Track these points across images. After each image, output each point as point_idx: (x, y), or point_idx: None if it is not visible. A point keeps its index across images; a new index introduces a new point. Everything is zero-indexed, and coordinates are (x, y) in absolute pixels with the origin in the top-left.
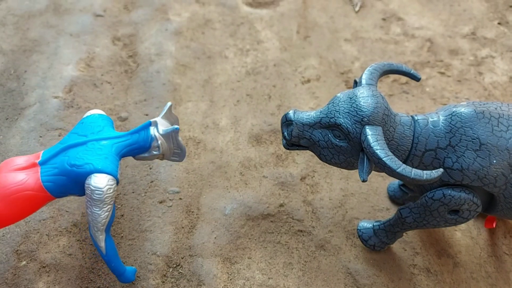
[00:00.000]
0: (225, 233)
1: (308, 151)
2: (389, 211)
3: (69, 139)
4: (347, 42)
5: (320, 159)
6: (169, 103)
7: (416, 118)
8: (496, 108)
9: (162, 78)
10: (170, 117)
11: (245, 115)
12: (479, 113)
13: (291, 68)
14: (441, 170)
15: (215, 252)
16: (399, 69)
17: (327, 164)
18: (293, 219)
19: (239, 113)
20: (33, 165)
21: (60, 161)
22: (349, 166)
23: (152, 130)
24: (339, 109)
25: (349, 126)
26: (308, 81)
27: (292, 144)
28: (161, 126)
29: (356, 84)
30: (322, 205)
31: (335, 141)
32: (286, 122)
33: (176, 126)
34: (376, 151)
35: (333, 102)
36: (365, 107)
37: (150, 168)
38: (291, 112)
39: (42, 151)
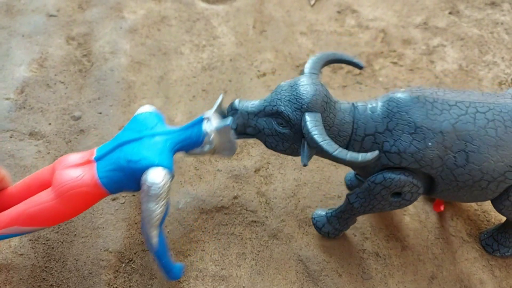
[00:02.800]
0: (178, 227)
1: (260, 141)
2: (340, 199)
3: (123, 136)
4: (302, 35)
5: (266, 146)
6: (221, 96)
7: (356, 104)
8: (431, 93)
9: (116, 76)
10: (222, 111)
11: (201, 110)
12: (414, 98)
13: (247, 62)
14: (376, 152)
15: (168, 246)
16: (342, 58)
17: (281, 155)
18: (246, 210)
19: (195, 109)
20: (88, 162)
21: (116, 157)
22: (294, 152)
23: (205, 125)
24: (281, 97)
25: (290, 114)
26: (264, 74)
27: (239, 132)
28: (214, 120)
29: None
30: (276, 195)
31: (278, 128)
32: (232, 111)
33: (228, 122)
34: (314, 136)
35: (276, 91)
36: (304, 94)
37: None
38: (236, 101)
39: (95, 148)
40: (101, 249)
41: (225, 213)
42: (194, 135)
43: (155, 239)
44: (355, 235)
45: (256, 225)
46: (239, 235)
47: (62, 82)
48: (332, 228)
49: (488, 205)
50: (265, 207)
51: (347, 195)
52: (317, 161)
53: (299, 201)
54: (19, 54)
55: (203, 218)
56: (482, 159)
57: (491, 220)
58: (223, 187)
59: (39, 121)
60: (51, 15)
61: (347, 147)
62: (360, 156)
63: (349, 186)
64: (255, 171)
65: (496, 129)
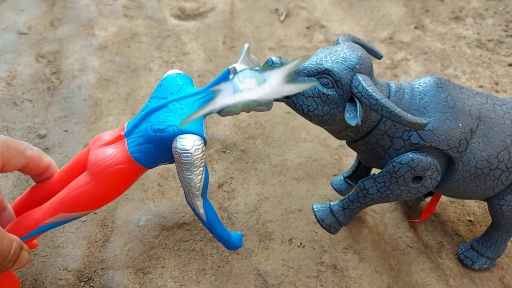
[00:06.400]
0: (139, 245)
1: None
2: (301, 212)
3: (150, 105)
4: (271, 50)
5: (301, 111)
6: (246, 45)
7: (389, 82)
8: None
9: (83, 93)
10: (250, 61)
11: None
12: (446, 81)
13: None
14: (427, 120)
15: (127, 264)
16: (364, 44)
17: (245, 170)
18: None
19: None
20: (119, 138)
21: (144, 128)
22: (330, 119)
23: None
24: (327, 59)
25: (340, 72)
26: None
27: None
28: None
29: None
30: (238, 210)
31: (322, 89)
32: (272, 66)
33: (258, 68)
34: (374, 93)
35: (317, 54)
36: (354, 56)
37: None
38: (275, 57)
39: (126, 123)
40: (60, 268)
41: (187, 229)
42: None
43: (201, 210)
44: (314, 248)
45: (218, 241)
46: (200, 251)
47: (30, 100)
48: (335, 221)
49: (445, 216)
50: (227, 222)
51: (361, 181)
52: (279, 175)
53: (261, 215)
54: None
55: (164, 234)
56: (500, 146)
57: (448, 231)
58: (185, 203)
59: None
60: (22, 33)
61: (379, 122)
62: (418, 119)
63: (337, 190)
64: (218, 187)
65: (511, 121)
